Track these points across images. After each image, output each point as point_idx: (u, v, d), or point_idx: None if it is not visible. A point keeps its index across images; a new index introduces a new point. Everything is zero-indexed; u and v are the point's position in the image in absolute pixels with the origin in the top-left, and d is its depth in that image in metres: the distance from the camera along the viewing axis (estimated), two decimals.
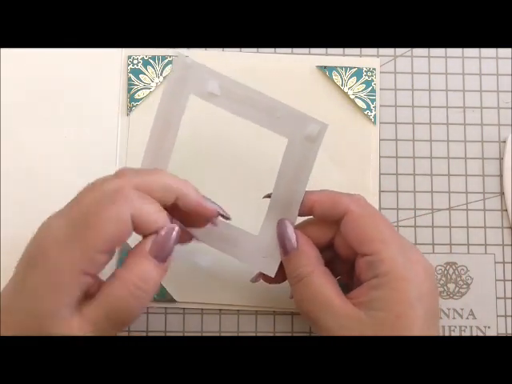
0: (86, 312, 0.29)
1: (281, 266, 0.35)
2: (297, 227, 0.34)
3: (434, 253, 0.42)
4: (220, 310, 0.41)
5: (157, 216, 0.31)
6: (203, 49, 0.43)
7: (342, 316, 0.31)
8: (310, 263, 0.33)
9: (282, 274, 0.35)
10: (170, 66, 0.42)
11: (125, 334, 0.40)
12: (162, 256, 0.30)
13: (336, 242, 0.34)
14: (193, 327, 0.41)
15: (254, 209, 0.36)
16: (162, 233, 0.31)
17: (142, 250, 0.30)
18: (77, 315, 0.29)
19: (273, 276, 0.35)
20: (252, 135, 0.41)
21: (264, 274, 0.35)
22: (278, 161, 0.34)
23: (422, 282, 0.31)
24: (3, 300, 0.29)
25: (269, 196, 0.34)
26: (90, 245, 0.28)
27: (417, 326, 0.30)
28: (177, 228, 0.31)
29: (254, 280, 0.37)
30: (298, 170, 0.33)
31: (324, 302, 0.32)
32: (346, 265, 0.34)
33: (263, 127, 0.33)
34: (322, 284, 0.32)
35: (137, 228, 0.30)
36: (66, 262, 0.28)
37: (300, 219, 0.35)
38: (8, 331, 0.28)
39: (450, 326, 0.41)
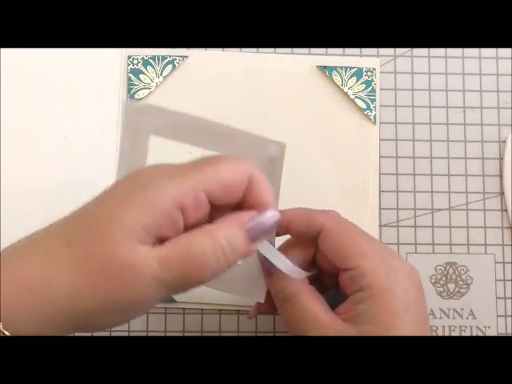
0: (160, 248, 0.26)
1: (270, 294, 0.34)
2: (278, 248, 0.34)
3: (433, 253, 0.42)
4: (220, 310, 0.41)
5: (269, 191, 0.29)
6: (203, 49, 0.43)
7: (332, 332, 0.31)
8: (295, 283, 0.32)
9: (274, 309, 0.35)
10: (170, 65, 0.42)
11: (125, 333, 0.40)
12: (255, 235, 0.28)
13: (318, 257, 0.34)
14: (193, 327, 0.41)
15: None
16: (268, 213, 0.29)
17: (240, 219, 0.28)
18: (148, 246, 0.26)
19: (262, 301, 0.34)
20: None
21: (259, 307, 0.35)
22: None
23: (407, 289, 0.31)
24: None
25: None
26: (199, 179, 0.27)
27: (410, 330, 0.30)
28: (279, 217, 0.29)
29: (251, 316, 0.36)
30: None
31: (313, 320, 0.31)
32: (332, 278, 0.34)
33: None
34: (309, 302, 0.32)
35: (250, 191, 0.28)
36: (165, 185, 0.26)
37: (281, 239, 0.34)
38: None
39: (449, 326, 0.41)
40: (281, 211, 0.33)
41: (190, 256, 0.26)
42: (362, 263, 0.31)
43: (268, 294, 0.34)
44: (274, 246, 0.33)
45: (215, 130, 0.32)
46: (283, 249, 0.34)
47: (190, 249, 0.26)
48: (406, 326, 0.30)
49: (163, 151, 0.34)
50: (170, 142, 0.33)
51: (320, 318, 0.31)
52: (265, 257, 0.33)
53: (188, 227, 0.27)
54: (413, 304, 0.31)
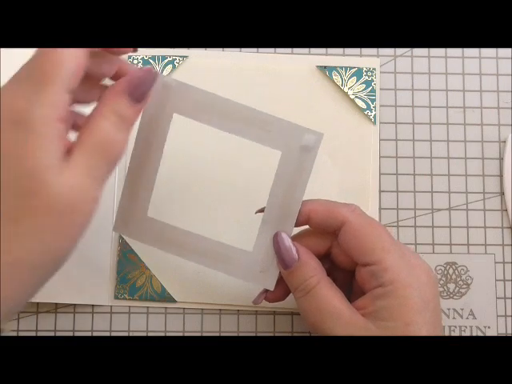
0: (74, 157, 0.27)
1: (281, 282, 0.35)
2: (293, 238, 0.34)
3: (434, 253, 0.42)
4: (220, 310, 0.41)
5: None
6: (203, 49, 0.43)
7: (352, 327, 0.31)
8: (315, 274, 0.32)
9: (283, 291, 0.35)
10: (170, 65, 0.42)
11: (125, 334, 0.40)
12: (137, 95, 0.29)
13: (333, 251, 0.34)
14: (193, 327, 0.41)
15: (245, 226, 0.36)
16: (139, 70, 0.30)
17: (117, 88, 0.29)
18: (66, 162, 0.27)
19: (272, 289, 0.35)
20: (240, 152, 0.41)
21: (266, 294, 0.35)
22: (266, 177, 0.34)
23: (425, 286, 0.31)
24: None
25: (261, 211, 0.34)
26: (51, 89, 0.27)
27: (426, 331, 0.30)
28: (154, 71, 0.30)
29: (257, 301, 0.36)
30: (294, 181, 0.33)
31: (333, 313, 0.31)
32: (344, 274, 0.34)
33: (254, 142, 0.33)
34: (330, 295, 0.32)
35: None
36: (36, 114, 0.26)
37: (295, 230, 0.35)
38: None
39: (449, 326, 0.41)
40: (303, 202, 0.33)
41: (98, 141, 0.27)
42: (384, 258, 0.31)
43: (278, 282, 0.34)
44: (290, 236, 0.34)
45: (247, 115, 0.32)
46: (297, 238, 0.34)
47: (93, 134, 0.27)
48: (425, 322, 0.31)
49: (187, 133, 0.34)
50: (197, 126, 0.33)
51: (341, 313, 0.31)
52: (281, 246, 0.33)
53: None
54: (431, 300, 0.31)
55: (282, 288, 0.35)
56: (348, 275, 0.34)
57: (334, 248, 0.34)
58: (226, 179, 0.41)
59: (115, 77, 0.32)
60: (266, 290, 0.35)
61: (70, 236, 0.27)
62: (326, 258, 0.34)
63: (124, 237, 0.41)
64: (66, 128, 0.27)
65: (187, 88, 0.33)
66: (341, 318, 0.31)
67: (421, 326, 0.30)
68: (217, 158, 0.41)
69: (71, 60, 0.28)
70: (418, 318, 0.30)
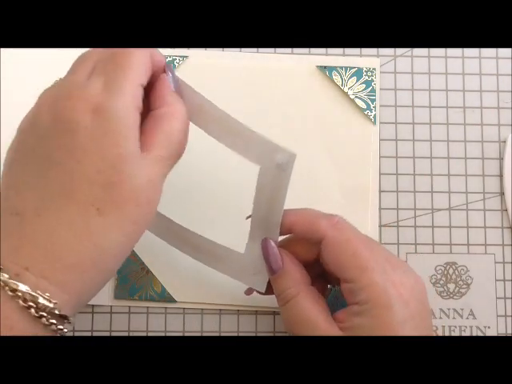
0: (150, 149, 0.28)
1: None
2: (282, 244, 0.34)
3: (433, 253, 0.42)
4: (220, 310, 0.41)
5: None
6: (203, 49, 0.43)
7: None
8: (295, 285, 0.32)
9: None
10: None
11: (125, 334, 0.40)
12: (176, 86, 0.32)
13: (322, 259, 0.34)
14: (193, 327, 0.41)
15: (241, 228, 0.36)
16: (170, 67, 0.32)
17: (166, 84, 0.31)
18: (143, 153, 0.28)
19: (263, 291, 0.35)
20: (234, 159, 0.41)
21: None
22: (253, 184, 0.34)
23: (406, 303, 0.31)
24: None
25: (250, 217, 0.34)
26: (130, 81, 0.28)
27: None
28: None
29: (248, 293, 0.37)
30: (272, 195, 0.33)
31: (310, 326, 0.31)
32: (335, 281, 0.34)
33: (236, 153, 0.33)
34: (308, 307, 0.32)
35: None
36: (119, 103, 0.27)
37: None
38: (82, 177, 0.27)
39: (449, 326, 0.41)
40: (285, 212, 0.33)
41: (173, 141, 0.29)
42: (360, 277, 0.31)
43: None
44: (276, 242, 0.34)
45: (230, 125, 0.33)
46: (286, 244, 0.34)
47: (173, 141, 0.29)
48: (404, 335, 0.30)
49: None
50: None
51: (317, 325, 0.31)
52: (267, 253, 0.33)
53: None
54: (411, 318, 0.30)
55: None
56: (338, 282, 0.34)
57: (320, 256, 0.34)
58: (225, 181, 0.41)
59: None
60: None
61: (144, 225, 0.28)
62: (317, 262, 0.34)
63: None
64: (140, 116, 0.29)
65: (191, 91, 0.33)
66: (316, 330, 0.31)
67: None
68: (218, 160, 0.41)
69: (142, 58, 0.29)
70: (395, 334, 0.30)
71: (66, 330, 0.27)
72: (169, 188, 0.40)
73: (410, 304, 0.31)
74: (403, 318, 0.30)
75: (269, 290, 0.35)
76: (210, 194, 0.41)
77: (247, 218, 0.34)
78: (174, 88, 0.31)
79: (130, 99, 0.28)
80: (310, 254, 0.34)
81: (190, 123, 0.32)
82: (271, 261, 0.33)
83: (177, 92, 0.31)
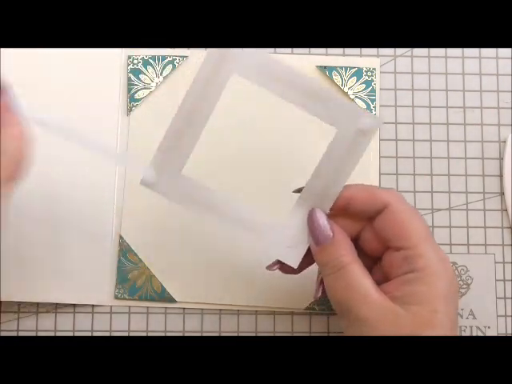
0: None
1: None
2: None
3: None
4: (220, 310, 0.41)
5: None
6: (203, 49, 0.43)
7: (380, 308, 0.31)
8: (348, 253, 0.32)
9: (301, 265, 0.34)
10: (170, 65, 0.42)
11: (125, 334, 0.40)
12: None
13: (363, 236, 0.34)
14: (193, 327, 0.41)
15: (279, 199, 0.35)
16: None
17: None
18: None
19: (296, 267, 0.34)
20: (286, 126, 0.41)
21: (281, 264, 0.35)
22: (307, 156, 0.33)
23: (452, 280, 0.32)
24: None
25: (299, 191, 0.34)
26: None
27: (450, 321, 0.31)
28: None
29: (270, 268, 0.35)
30: (342, 162, 0.32)
31: (363, 293, 0.31)
32: (368, 261, 0.34)
33: (310, 114, 0.32)
34: (361, 275, 0.32)
35: None
36: None
37: None
38: None
39: None
40: (344, 186, 0.33)
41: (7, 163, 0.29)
42: (420, 245, 0.32)
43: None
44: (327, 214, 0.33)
45: (306, 85, 0.32)
46: (330, 218, 0.34)
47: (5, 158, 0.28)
48: (450, 312, 0.31)
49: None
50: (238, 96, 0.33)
51: (370, 293, 0.31)
52: (316, 222, 0.33)
53: None
54: (455, 293, 0.32)
55: (302, 261, 0.35)
56: (371, 263, 0.34)
57: (364, 233, 0.34)
58: (269, 151, 0.41)
59: None
60: (279, 260, 0.35)
61: None
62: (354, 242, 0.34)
63: (123, 236, 0.41)
64: None
65: (252, 52, 0.32)
66: (369, 298, 0.31)
67: (447, 315, 0.31)
68: (263, 129, 0.41)
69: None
70: (445, 306, 0.31)
71: None
72: (208, 148, 0.39)
73: (453, 280, 0.32)
74: (451, 290, 0.32)
75: (292, 268, 0.34)
76: (252, 162, 0.41)
77: (294, 191, 0.34)
78: (13, 108, 0.30)
79: None
80: (352, 231, 0.34)
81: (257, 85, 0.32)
82: (319, 230, 0.33)
83: (14, 112, 0.30)
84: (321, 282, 0.35)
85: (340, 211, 0.34)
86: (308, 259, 0.34)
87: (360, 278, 0.32)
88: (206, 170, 0.38)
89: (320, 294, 0.35)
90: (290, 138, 0.41)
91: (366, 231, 0.34)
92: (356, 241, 0.34)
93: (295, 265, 0.34)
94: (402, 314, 0.31)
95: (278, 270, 0.35)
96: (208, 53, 0.32)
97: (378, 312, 0.31)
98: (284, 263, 0.35)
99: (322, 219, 0.33)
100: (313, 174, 0.33)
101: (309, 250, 0.34)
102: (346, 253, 0.32)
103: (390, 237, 0.33)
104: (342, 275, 0.32)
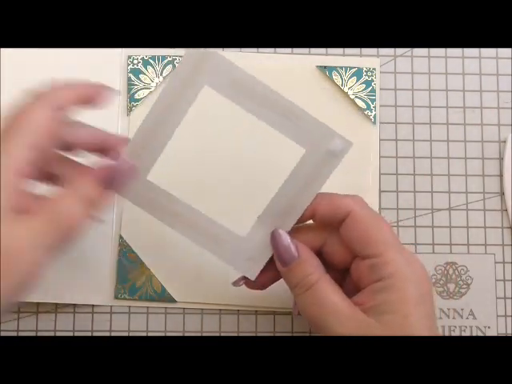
0: (27, 217, 0.28)
1: (264, 272, 0.34)
2: (290, 234, 0.34)
3: (433, 253, 0.42)
4: (220, 310, 0.41)
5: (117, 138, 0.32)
6: (203, 49, 0.43)
7: (352, 322, 0.31)
8: (315, 270, 0.32)
9: (264, 281, 0.35)
10: (170, 65, 0.42)
11: (125, 334, 0.40)
12: (109, 183, 0.30)
13: (329, 248, 0.34)
14: (193, 327, 0.41)
15: (242, 212, 0.35)
16: (120, 161, 0.31)
17: (93, 172, 0.30)
18: (16, 216, 0.27)
19: (253, 279, 0.34)
20: (255, 139, 0.41)
21: (246, 280, 0.35)
22: (276, 170, 0.33)
23: (422, 281, 0.32)
24: None
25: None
26: (12, 142, 0.28)
27: (422, 325, 0.31)
28: (131, 164, 0.31)
29: (236, 284, 0.36)
30: (308, 182, 0.32)
31: (333, 310, 0.31)
32: (336, 274, 0.34)
33: (281, 133, 0.32)
34: (330, 291, 0.32)
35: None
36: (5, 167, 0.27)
37: None
38: None
39: (449, 326, 0.41)
40: None
41: (63, 222, 0.28)
42: (385, 251, 0.32)
43: (260, 272, 0.34)
44: (287, 233, 0.33)
45: (278, 104, 0.32)
46: (293, 234, 0.34)
47: (61, 217, 0.28)
48: (422, 314, 0.31)
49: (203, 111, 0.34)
50: (214, 105, 0.32)
51: (341, 308, 0.31)
52: (280, 243, 0.33)
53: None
54: (428, 293, 0.32)
55: (265, 277, 0.35)
56: (338, 275, 0.34)
57: (327, 245, 0.34)
58: (235, 163, 0.41)
59: (97, 150, 0.33)
60: (245, 276, 0.35)
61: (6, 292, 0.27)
62: (318, 256, 0.34)
63: (123, 236, 0.41)
64: (24, 184, 0.28)
65: (227, 64, 0.32)
66: (341, 313, 0.31)
67: (418, 319, 0.31)
68: (232, 140, 0.41)
69: (39, 120, 0.28)
70: (416, 310, 0.31)
71: None
72: (176, 156, 0.39)
73: (424, 282, 0.32)
74: (421, 293, 0.31)
75: (257, 283, 0.35)
76: (218, 173, 0.41)
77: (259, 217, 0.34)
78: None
79: (4, 160, 0.27)
80: (315, 244, 0.34)
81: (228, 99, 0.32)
82: (283, 252, 0.33)
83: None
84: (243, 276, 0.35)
85: (305, 221, 0.34)
86: (272, 276, 0.35)
87: (329, 294, 0.32)
88: (176, 178, 0.38)
89: (297, 311, 0.35)
90: (264, 149, 0.41)
91: (332, 242, 0.34)
92: (322, 254, 0.34)
93: (253, 277, 0.34)
94: (374, 325, 0.30)
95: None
96: (186, 53, 0.32)
97: (350, 326, 0.31)
98: (247, 282, 0.35)
99: (286, 240, 0.33)
100: (278, 191, 0.33)
101: (273, 266, 0.34)
102: (312, 271, 0.32)
103: (355, 245, 0.32)
104: (312, 294, 0.32)
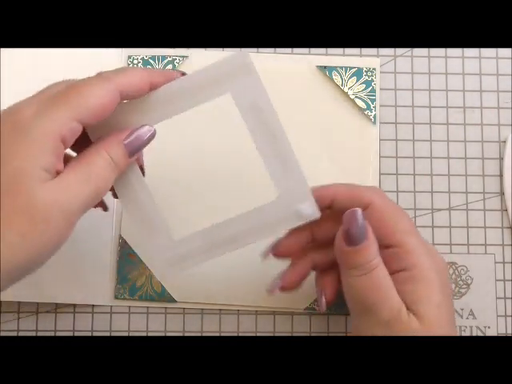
0: (63, 176, 0.28)
1: (294, 269, 0.34)
2: (308, 226, 0.34)
3: None
4: (220, 310, 0.41)
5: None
6: (203, 49, 0.43)
7: (397, 312, 0.31)
8: (378, 255, 0.32)
9: (297, 280, 0.35)
10: (170, 65, 0.42)
11: (125, 334, 0.40)
12: (132, 149, 0.31)
13: None
14: (193, 327, 0.41)
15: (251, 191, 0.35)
16: (144, 128, 0.31)
17: (119, 136, 0.31)
18: (53, 177, 0.28)
19: (318, 216, 0.33)
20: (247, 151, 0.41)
21: (282, 287, 0.35)
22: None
23: (442, 270, 0.33)
24: None
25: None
26: (71, 110, 0.28)
27: (451, 312, 0.32)
28: (153, 130, 0.32)
29: (271, 292, 0.35)
30: (264, 227, 0.33)
31: (389, 294, 0.32)
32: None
33: (265, 166, 0.32)
34: (387, 277, 0.32)
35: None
36: (38, 124, 0.27)
37: None
38: None
39: None
40: (324, 186, 0.34)
41: (93, 175, 0.29)
42: (407, 241, 0.32)
43: (292, 271, 0.34)
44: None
45: (281, 144, 0.32)
46: (315, 224, 0.34)
47: (91, 169, 0.29)
48: (448, 304, 0.32)
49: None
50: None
51: (392, 296, 0.32)
52: (354, 226, 0.32)
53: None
54: (447, 282, 0.33)
55: (298, 275, 0.35)
56: None
57: None
58: (227, 164, 0.42)
59: None
60: (279, 282, 0.35)
61: (37, 245, 0.28)
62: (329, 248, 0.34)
63: (123, 236, 0.41)
64: (63, 149, 0.28)
65: (259, 86, 0.32)
66: (391, 299, 0.31)
67: (447, 309, 0.32)
68: (226, 145, 0.42)
69: (97, 97, 0.29)
70: (444, 300, 0.31)
71: None
72: (170, 198, 0.40)
73: (445, 271, 0.33)
74: (445, 282, 0.32)
75: (291, 283, 0.35)
76: (214, 182, 0.41)
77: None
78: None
79: (51, 125, 0.28)
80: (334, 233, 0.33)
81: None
82: (360, 230, 0.32)
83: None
84: (322, 292, 0.35)
85: (324, 210, 0.33)
86: (304, 273, 0.35)
87: (388, 281, 0.32)
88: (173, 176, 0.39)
89: (275, 289, 0.35)
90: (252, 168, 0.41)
91: None
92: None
93: (318, 214, 0.33)
94: (411, 314, 0.31)
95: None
96: (234, 55, 0.32)
97: (394, 313, 0.31)
98: (284, 285, 0.35)
99: (361, 218, 0.32)
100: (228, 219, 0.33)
101: (305, 264, 0.34)
102: (377, 255, 0.32)
103: (376, 236, 0.32)
104: (371, 277, 0.32)
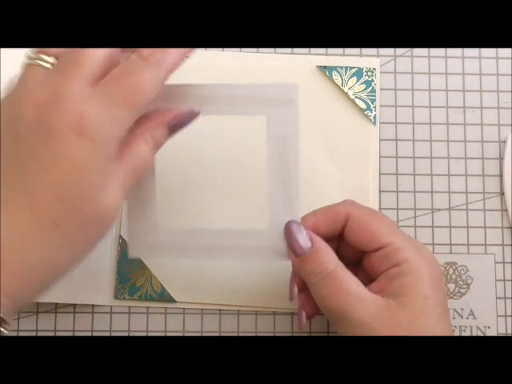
0: (115, 173, 0.28)
1: (311, 298, 0.34)
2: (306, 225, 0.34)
3: (434, 253, 0.42)
4: (220, 310, 0.41)
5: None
6: (203, 49, 0.43)
7: (374, 306, 0.31)
8: (331, 259, 0.33)
9: (313, 310, 0.35)
10: None
11: (125, 334, 0.40)
12: (174, 129, 0.31)
13: (348, 238, 0.34)
14: (193, 327, 0.41)
15: (250, 209, 0.35)
16: (186, 112, 0.32)
17: (164, 118, 0.31)
18: (108, 176, 0.28)
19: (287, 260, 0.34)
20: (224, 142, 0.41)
21: (303, 312, 0.35)
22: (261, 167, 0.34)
23: (433, 265, 0.33)
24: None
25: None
26: (131, 112, 0.28)
27: (442, 305, 0.32)
28: (197, 110, 0.32)
29: (302, 325, 0.35)
30: (286, 146, 0.33)
31: (353, 296, 0.32)
32: (347, 267, 0.34)
33: (238, 115, 0.33)
34: (348, 278, 0.32)
35: None
36: (105, 130, 0.27)
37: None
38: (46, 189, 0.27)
39: None
40: (303, 217, 0.34)
41: (138, 166, 0.29)
42: (393, 240, 0.33)
43: (309, 299, 0.34)
44: (299, 221, 0.34)
45: (222, 92, 0.33)
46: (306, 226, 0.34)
47: (137, 160, 0.29)
48: (439, 298, 0.32)
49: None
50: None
51: (362, 293, 0.32)
52: (293, 238, 0.33)
53: None
54: (440, 279, 0.33)
55: (313, 306, 0.35)
56: (351, 267, 0.34)
57: (339, 249, 0.35)
58: (220, 173, 0.42)
59: None
60: (303, 313, 0.35)
61: (95, 243, 0.29)
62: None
63: (123, 236, 0.41)
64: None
65: (295, 118, 0.33)
66: (362, 298, 0.32)
67: (437, 300, 0.32)
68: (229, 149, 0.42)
69: (152, 90, 0.29)
70: (433, 292, 0.32)
71: (6, 332, 0.28)
72: (169, 193, 0.40)
73: (435, 266, 0.33)
74: (436, 277, 0.33)
75: (307, 315, 0.35)
76: (213, 189, 0.41)
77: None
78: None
79: (117, 130, 0.28)
80: (330, 233, 0.34)
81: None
82: (299, 241, 0.33)
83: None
84: (293, 282, 0.35)
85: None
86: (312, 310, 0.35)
87: (347, 281, 0.32)
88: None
89: (303, 321, 0.35)
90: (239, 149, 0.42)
91: (340, 244, 0.35)
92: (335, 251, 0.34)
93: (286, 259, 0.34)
94: (395, 306, 0.31)
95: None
96: (284, 85, 0.33)
97: (372, 310, 0.31)
98: (304, 311, 0.35)
99: (299, 229, 0.33)
100: (269, 184, 0.34)
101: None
102: (328, 259, 0.33)
103: (362, 244, 0.33)
104: (329, 282, 0.32)
